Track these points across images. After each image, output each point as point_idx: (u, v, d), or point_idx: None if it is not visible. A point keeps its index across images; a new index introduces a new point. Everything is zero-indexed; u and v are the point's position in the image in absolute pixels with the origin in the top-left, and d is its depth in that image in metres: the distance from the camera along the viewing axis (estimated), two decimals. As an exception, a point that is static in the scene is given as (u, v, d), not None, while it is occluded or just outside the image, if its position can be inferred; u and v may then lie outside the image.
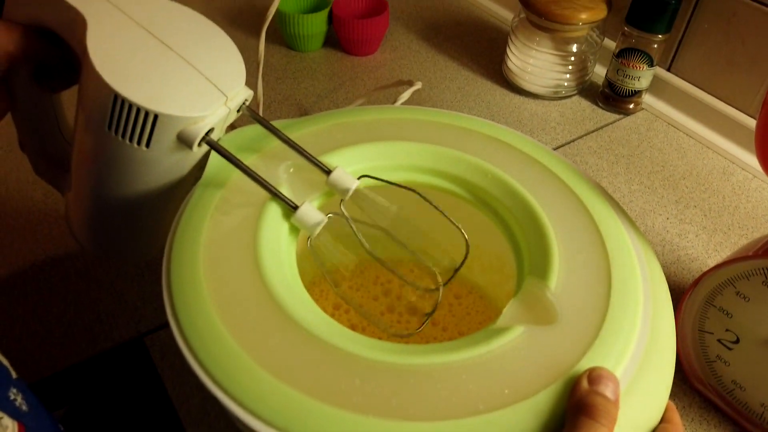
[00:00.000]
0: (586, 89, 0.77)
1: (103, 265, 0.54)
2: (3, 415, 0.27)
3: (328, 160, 0.37)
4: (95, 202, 0.39)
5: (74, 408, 0.44)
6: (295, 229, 0.36)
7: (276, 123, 0.39)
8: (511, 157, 0.40)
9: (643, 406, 0.29)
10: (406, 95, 0.70)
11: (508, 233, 0.38)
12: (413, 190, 0.37)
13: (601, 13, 0.68)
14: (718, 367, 0.44)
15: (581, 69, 0.74)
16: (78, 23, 0.33)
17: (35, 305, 0.51)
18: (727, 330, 0.42)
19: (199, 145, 0.34)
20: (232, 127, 0.39)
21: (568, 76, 0.74)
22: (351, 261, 0.36)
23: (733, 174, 0.66)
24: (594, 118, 0.73)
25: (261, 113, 0.67)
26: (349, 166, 0.38)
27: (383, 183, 0.37)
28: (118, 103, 0.32)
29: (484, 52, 0.83)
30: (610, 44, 0.74)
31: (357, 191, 0.36)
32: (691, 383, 0.46)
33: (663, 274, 0.35)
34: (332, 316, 0.45)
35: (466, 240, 0.35)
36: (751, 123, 0.66)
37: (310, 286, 0.47)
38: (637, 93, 0.72)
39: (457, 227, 0.36)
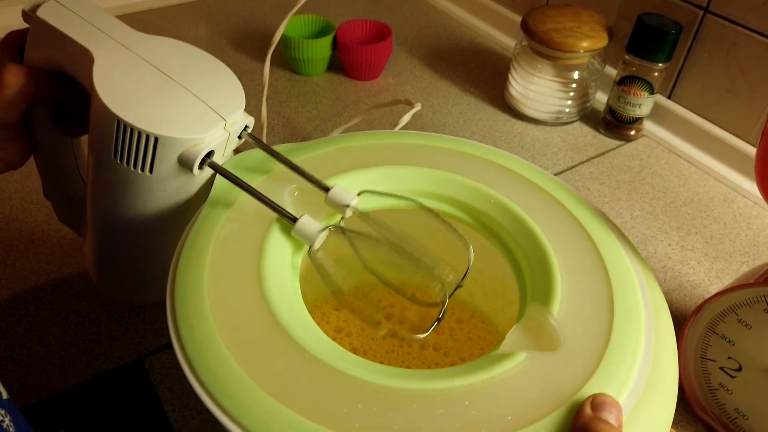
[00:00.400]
0: (588, 115, 0.78)
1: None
2: None
3: (330, 184, 0.38)
4: (105, 235, 0.41)
5: (73, 429, 0.44)
6: (298, 253, 0.36)
7: (279, 147, 0.40)
8: (514, 182, 0.40)
9: (646, 434, 0.29)
10: (406, 118, 0.70)
11: (510, 258, 0.38)
12: (414, 200, 0.37)
13: (602, 41, 0.69)
14: (721, 395, 0.44)
15: (583, 96, 0.75)
16: (86, 59, 0.35)
17: (36, 325, 0.51)
18: (729, 357, 0.42)
19: (200, 168, 0.35)
20: (237, 152, 0.39)
21: (569, 102, 0.74)
22: (351, 276, 0.36)
23: (734, 201, 0.66)
24: (595, 144, 0.74)
25: (264, 135, 0.68)
26: (352, 190, 0.38)
27: (384, 207, 0.37)
28: (122, 128, 0.33)
29: (486, 78, 0.84)
30: (611, 71, 0.75)
31: (359, 213, 0.36)
32: (693, 411, 0.46)
33: (665, 301, 0.35)
34: (334, 339, 0.45)
35: (470, 248, 0.35)
36: (752, 151, 0.66)
37: (312, 308, 0.47)
38: (638, 120, 0.72)
39: (459, 235, 0.36)
